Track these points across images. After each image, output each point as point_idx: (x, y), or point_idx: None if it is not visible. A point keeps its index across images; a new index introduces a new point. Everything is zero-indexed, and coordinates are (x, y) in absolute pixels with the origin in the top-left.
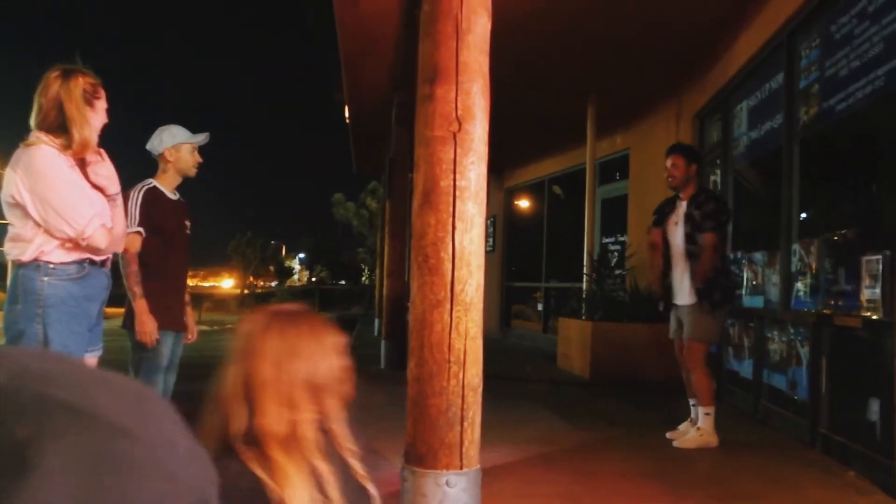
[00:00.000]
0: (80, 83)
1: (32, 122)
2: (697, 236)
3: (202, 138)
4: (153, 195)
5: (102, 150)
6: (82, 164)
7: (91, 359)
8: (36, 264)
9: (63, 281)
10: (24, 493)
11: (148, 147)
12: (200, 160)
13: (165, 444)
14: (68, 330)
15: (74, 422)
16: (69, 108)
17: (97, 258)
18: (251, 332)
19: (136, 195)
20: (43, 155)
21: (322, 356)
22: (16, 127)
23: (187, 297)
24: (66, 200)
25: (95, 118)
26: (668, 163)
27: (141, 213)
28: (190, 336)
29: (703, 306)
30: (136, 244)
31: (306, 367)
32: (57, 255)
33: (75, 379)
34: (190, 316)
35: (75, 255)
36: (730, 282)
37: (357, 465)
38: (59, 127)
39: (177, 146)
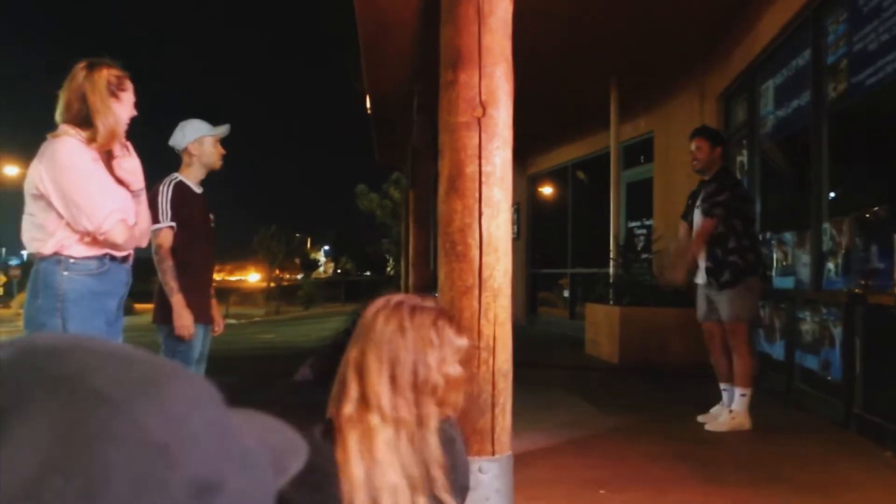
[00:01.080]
0: (105, 75)
1: (58, 115)
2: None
3: (224, 130)
4: (181, 189)
5: (129, 144)
6: (108, 157)
7: None
8: (56, 258)
9: (83, 276)
10: None
11: (171, 143)
12: (224, 152)
13: (167, 419)
14: (87, 325)
15: (58, 392)
16: (93, 99)
17: (118, 254)
18: (372, 318)
19: (166, 190)
20: (67, 147)
21: (437, 357)
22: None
23: (212, 290)
24: (85, 193)
25: (121, 110)
26: (693, 146)
27: (171, 208)
28: (217, 328)
29: (712, 286)
30: (170, 239)
31: (415, 364)
32: (77, 249)
33: (82, 353)
34: (215, 308)
35: (96, 250)
36: (745, 261)
37: (440, 478)
38: (84, 119)
39: (200, 140)
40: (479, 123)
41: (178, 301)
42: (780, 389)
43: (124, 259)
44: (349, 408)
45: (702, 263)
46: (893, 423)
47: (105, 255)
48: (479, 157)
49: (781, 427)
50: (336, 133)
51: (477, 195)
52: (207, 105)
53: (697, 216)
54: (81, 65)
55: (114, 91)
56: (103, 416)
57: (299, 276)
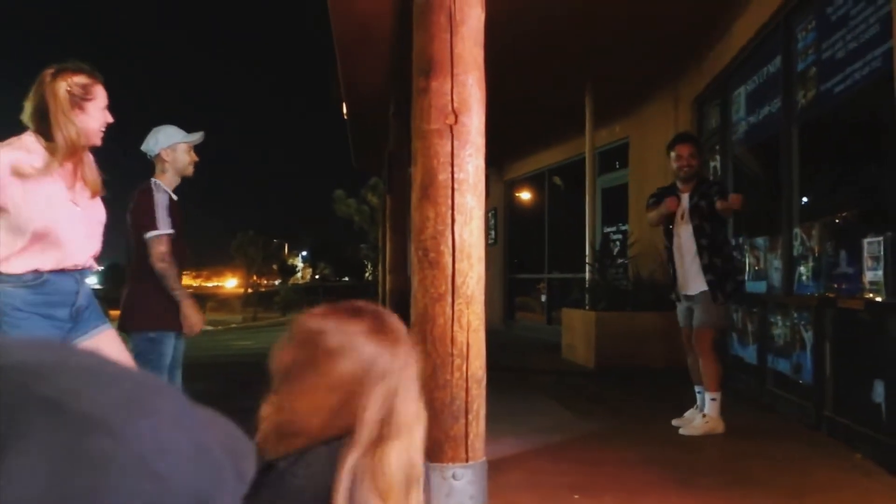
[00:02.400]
0: (67, 84)
1: (25, 121)
2: (707, 228)
3: (197, 137)
4: (167, 196)
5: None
6: (75, 167)
7: (108, 332)
8: None
9: (17, 288)
10: None
11: (143, 148)
12: (197, 159)
13: (158, 444)
14: (32, 332)
15: (51, 418)
16: (53, 110)
17: (60, 266)
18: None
19: (158, 197)
20: None
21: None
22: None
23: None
24: None
25: (87, 120)
26: (685, 152)
27: (169, 215)
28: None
29: (717, 297)
30: (167, 245)
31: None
32: (10, 265)
33: (66, 373)
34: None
35: (31, 264)
36: (736, 270)
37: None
38: (45, 123)
39: (173, 146)
40: (452, 131)
41: (188, 304)
42: (753, 393)
43: (74, 268)
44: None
45: (688, 276)
46: (863, 425)
47: (36, 269)
48: (452, 165)
49: (754, 430)
50: (314, 138)
51: (450, 202)
52: (180, 109)
53: (683, 228)
54: (49, 71)
55: (77, 101)
56: (101, 443)
57: (277, 282)
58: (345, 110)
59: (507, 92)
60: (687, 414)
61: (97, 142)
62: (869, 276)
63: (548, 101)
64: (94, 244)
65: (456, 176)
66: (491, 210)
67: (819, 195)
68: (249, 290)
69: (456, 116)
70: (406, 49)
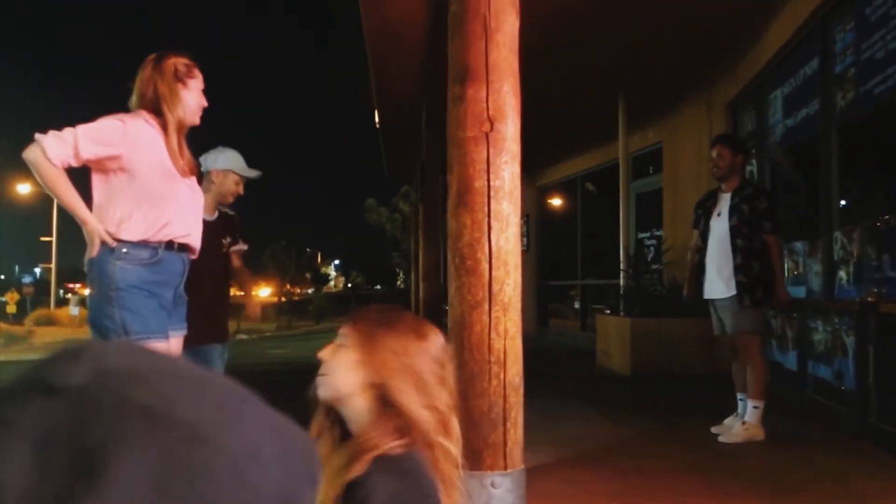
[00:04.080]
0: (172, 63)
1: (132, 105)
2: (745, 230)
3: (254, 174)
4: None
5: None
6: (179, 145)
7: (176, 339)
8: (109, 248)
9: (135, 266)
10: (91, 497)
11: (201, 159)
12: (241, 193)
13: (248, 450)
14: (144, 314)
15: (150, 426)
16: (161, 87)
17: (177, 241)
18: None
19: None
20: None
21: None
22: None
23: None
24: (87, 125)
25: (189, 96)
26: (714, 153)
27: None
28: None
29: (743, 300)
30: None
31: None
32: (128, 231)
33: (159, 379)
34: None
35: (146, 233)
36: (771, 277)
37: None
38: (155, 107)
39: (226, 171)
40: (487, 138)
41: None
42: (794, 400)
43: (181, 248)
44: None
45: (715, 277)
46: None
47: (159, 243)
48: (488, 172)
49: (795, 438)
50: (346, 147)
51: (486, 209)
52: (214, 121)
53: (719, 225)
54: (151, 56)
55: (181, 78)
56: (198, 451)
57: (310, 291)
58: (377, 118)
59: (540, 98)
60: (726, 421)
61: (196, 121)
62: None
63: (581, 106)
64: (198, 225)
65: (492, 183)
66: (524, 217)
67: (859, 198)
68: (283, 299)
69: (492, 124)
70: (439, 56)
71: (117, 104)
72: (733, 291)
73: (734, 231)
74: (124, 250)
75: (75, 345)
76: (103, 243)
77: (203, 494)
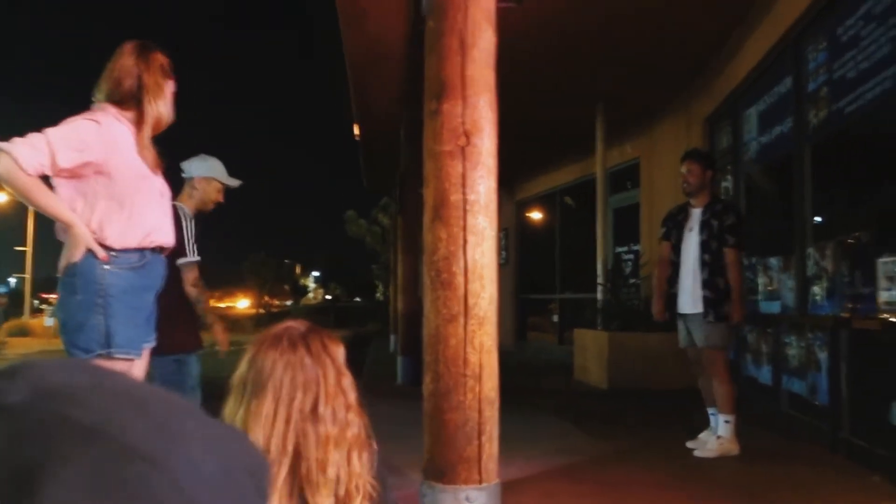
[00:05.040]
0: (159, 56)
1: (102, 93)
2: (713, 245)
3: (235, 183)
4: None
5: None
6: (144, 144)
7: (146, 351)
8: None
9: (125, 271)
10: None
11: (183, 165)
12: (221, 201)
13: (189, 468)
14: (128, 321)
15: (87, 444)
16: (147, 78)
17: (150, 242)
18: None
19: (189, 224)
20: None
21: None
22: None
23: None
24: (59, 130)
25: (169, 94)
26: (684, 169)
27: (197, 241)
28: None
29: (708, 315)
30: (197, 271)
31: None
32: (113, 237)
33: (99, 397)
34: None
35: (131, 239)
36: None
37: None
38: (131, 98)
39: (208, 178)
40: (463, 152)
41: (221, 325)
42: (768, 414)
43: (161, 249)
44: None
45: (689, 292)
46: (881, 446)
47: (145, 248)
48: (464, 186)
49: (769, 452)
50: (325, 159)
51: (462, 223)
52: (190, 130)
53: (691, 240)
54: (131, 45)
55: (167, 74)
56: (138, 470)
57: (289, 303)
58: (357, 132)
59: (519, 113)
60: (702, 436)
61: (171, 121)
62: (884, 296)
63: (559, 121)
64: (171, 224)
65: (468, 197)
66: (502, 230)
67: (832, 215)
68: (262, 311)
69: (468, 138)
70: (418, 72)
71: (73, 107)
72: (700, 307)
73: (703, 246)
74: (113, 254)
75: (13, 363)
76: (89, 249)
77: None
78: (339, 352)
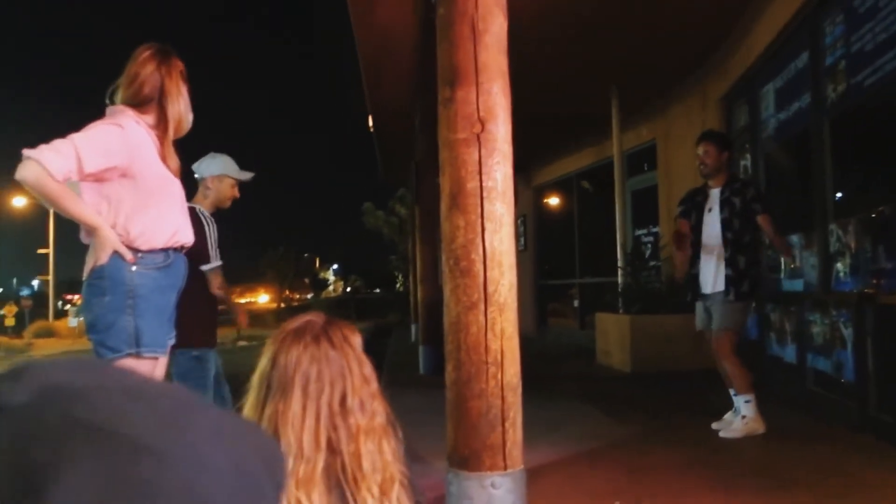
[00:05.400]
0: (179, 62)
1: (120, 97)
2: (735, 224)
3: (247, 177)
4: (194, 221)
5: None
6: (166, 149)
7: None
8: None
9: (151, 271)
10: None
11: (194, 167)
12: (238, 196)
13: (197, 462)
14: (156, 321)
15: (93, 443)
16: (169, 84)
17: (174, 242)
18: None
19: (212, 227)
20: (121, 118)
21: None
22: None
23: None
24: (81, 135)
25: (188, 100)
26: (700, 150)
27: (218, 245)
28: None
29: (729, 293)
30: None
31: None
32: (140, 239)
33: (105, 396)
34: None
35: (157, 240)
36: (759, 273)
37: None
38: (151, 102)
39: (220, 177)
40: (479, 139)
41: (244, 312)
42: (794, 393)
43: (182, 248)
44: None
45: (711, 272)
46: None
47: (169, 248)
48: (480, 173)
49: (795, 431)
50: (342, 151)
51: (479, 211)
52: (205, 124)
53: (711, 220)
54: (151, 49)
55: (185, 80)
56: (145, 467)
57: (309, 296)
58: (371, 122)
59: (533, 98)
60: (726, 416)
61: (190, 124)
62: None
63: (573, 105)
64: (189, 223)
65: (484, 184)
66: (520, 217)
67: (853, 190)
68: (282, 305)
69: (482, 125)
70: (430, 60)
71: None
72: (723, 286)
73: (725, 224)
74: (140, 255)
75: (17, 364)
76: (116, 251)
77: None
78: (359, 341)
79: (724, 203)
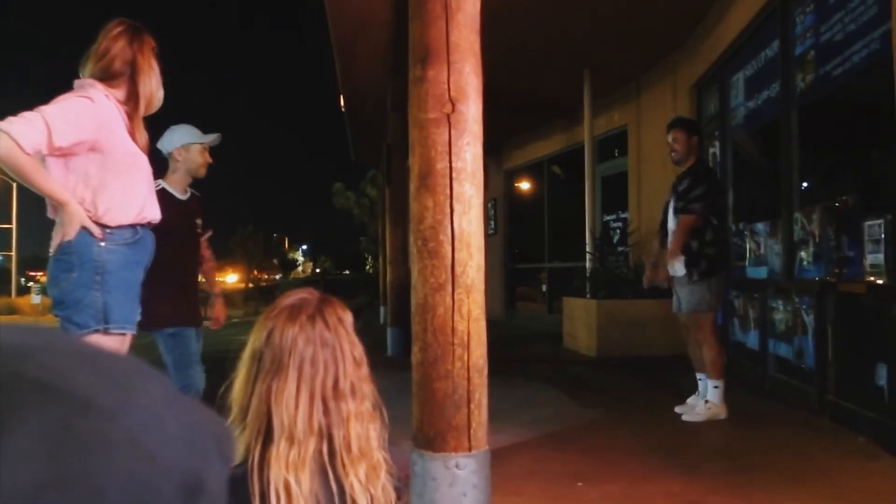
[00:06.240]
0: (150, 38)
1: (90, 71)
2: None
3: (213, 139)
4: (162, 198)
5: None
6: (136, 124)
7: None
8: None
9: (121, 247)
10: None
11: (158, 145)
12: (210, 161)
13: (146, 421)
14: (124, 297)
15: (42, 399)
16: (140, 60)
17: (141, 219)
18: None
19: (187, 204)
20: (90, 92)
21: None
22: None
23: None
24: (54, 108)
25: (159, 77)
26: (670, 137)
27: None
28: (215, 325)
29: (692, 275)
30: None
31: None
32: (108, 215)
33: (54, 355)
34: (220, 306)
35: (125, 216)
36: (721, 252)
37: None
38: (120, 77)
39: (186, 146)
40: (449, 119)
41: (223, 302)
42: (755, 378)
43: (149, 224)
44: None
45: (679, 256)
46: (866, 409)
47: (137, 224)
48: (450, 154)
49: (756, 415)
50: (312, 132)
51: (448, 191)
52: (181, 106)
53: (671, 216)
54: (123, 25)
55: (157, 56)
56: (94, 423)
57: (278, 277)
58: (342, 103)
59: (505, 80)
60: (689, 400)
61: (161, 101)
62: (870, 259)
63: (546, 89)
64: (156, 199)
65: (454, 165)
66: (490, 200)
67: (819, 179)
68: (250, 285)
69: (453, 105)
70: (404, 40)
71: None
72: (684, 270)
73: (675, 211)
74: (108, 231)
75: None
76: (83, 227)
77: (98, 464)
78: (350, 321)
79: (673, 191)
